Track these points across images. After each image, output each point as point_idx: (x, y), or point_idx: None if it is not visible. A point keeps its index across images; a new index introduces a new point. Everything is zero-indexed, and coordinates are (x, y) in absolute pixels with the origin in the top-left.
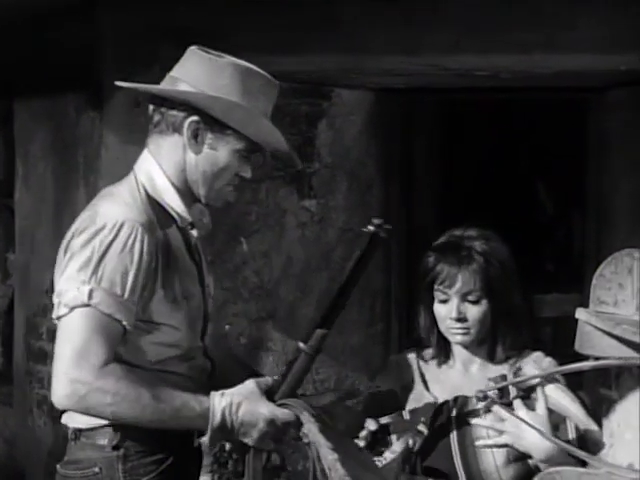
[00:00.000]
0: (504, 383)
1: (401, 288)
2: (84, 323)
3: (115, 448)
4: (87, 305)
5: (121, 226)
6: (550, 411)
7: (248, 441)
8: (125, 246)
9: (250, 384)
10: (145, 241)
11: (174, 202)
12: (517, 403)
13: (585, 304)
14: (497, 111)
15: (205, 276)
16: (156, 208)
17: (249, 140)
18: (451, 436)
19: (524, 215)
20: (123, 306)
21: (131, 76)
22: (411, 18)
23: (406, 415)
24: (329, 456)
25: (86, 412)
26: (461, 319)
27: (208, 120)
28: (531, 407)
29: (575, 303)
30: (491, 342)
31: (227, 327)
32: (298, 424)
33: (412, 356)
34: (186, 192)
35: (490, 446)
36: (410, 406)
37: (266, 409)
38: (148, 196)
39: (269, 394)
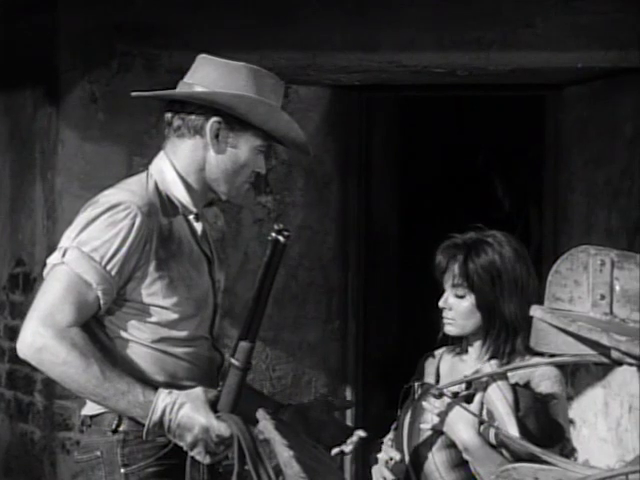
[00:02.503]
0: (456, 381)
1: (358, 285)
2: (57, 279)
3: (115, 432)
4: (62, 263)
5: (117, 204)
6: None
7: (182, 445)
8: (115, 220)
9: (198, 390)
10: (137, 221)
11: (180, 194)
12: (461, 395)
13: (542, 301)
14: (454, 108)
15: (216, 271)
16: (163, 198)
17: (266, 136)
18: (406, 417)
19: (481, 212)
20: (97, 271)
21: (88, 72)
22: (367, 15)
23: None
24: (284, 453)
25: (40, 366)
26: (445, 309)
27: (229, 120)
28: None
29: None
30: (485, 342)
31: None
32: (231, 442)
33: (439, 351)
34: (202, 191)
35: (429, 429)
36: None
37: (204, 417)
38: (157, 187)
39: (213, 405)
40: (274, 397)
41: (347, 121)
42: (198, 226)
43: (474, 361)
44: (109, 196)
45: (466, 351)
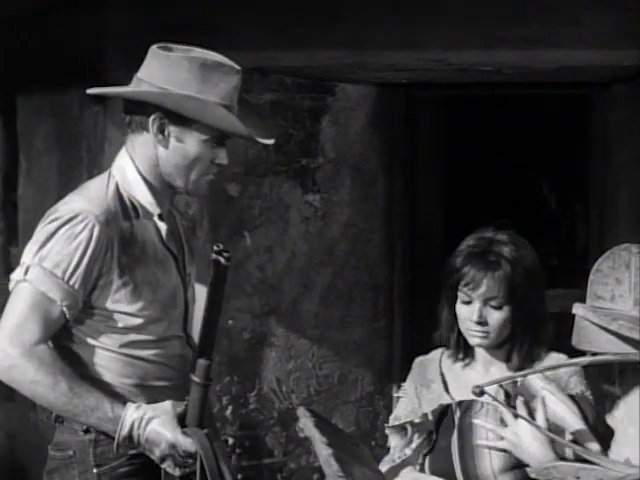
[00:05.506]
0: (498, 379)
1: (404, 283)
2: (22, 298)
3: (86, 432)
4: (25, 281)
5: (74, 216)
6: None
7: (153, 458)
8: (73, 233)
9: (167, 404)
10: (95, 231)
11: (141, 195)
12: (519, 405)
13: (585, 299)
14: (500, 106)
15: (187, 266)
16: (124, 201)
17: (215, 128)
18: (452, 438)
19: (527, 210)
20: (60, 288)
21: (135, 70)
22: (414, 13)
23: (430, 416)
24: (323, 451)
25: (10, 383)
26: (481, 323)
27: (171, 115)
28: (531, 416)
29: (575, 298)
30: (510, 346)
31: (230, 322)
32: (196, 457)
33: (436, 356)
34: (162, 186)
35: (489, 448)
36: (430, 406)
37: (171, 433)
38: (117, 190)
39: (181, 418)
40: (321, 395)
41: (393, 119)
42: (162, 226)
43: (483, 368)
44: (68, 204)
45: (466, 357)
